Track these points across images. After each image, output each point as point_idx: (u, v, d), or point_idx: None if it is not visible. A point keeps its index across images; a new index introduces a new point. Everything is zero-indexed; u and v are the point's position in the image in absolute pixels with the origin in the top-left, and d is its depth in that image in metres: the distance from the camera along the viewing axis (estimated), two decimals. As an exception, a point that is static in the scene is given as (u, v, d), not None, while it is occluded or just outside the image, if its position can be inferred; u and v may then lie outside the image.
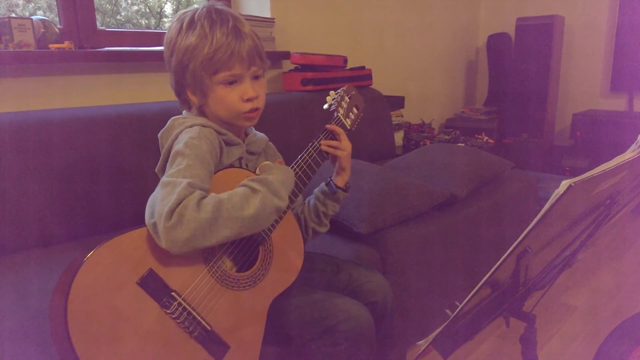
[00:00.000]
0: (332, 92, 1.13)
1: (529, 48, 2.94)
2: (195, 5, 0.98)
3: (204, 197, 0.81)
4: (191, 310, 0.83)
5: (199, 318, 0.83)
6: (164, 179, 0.84)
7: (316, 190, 1.16)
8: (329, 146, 1.07)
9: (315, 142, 1.06)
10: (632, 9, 2.84)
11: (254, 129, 1.09)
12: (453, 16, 3.24)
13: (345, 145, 1.08)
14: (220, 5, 0.97)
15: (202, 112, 1.01)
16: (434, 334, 0.70)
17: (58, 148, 1.31)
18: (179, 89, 1.00)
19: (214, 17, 0.93)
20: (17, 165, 1.25)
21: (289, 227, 1.02)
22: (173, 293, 0.81)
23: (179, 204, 0.78)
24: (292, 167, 1.02)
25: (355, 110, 1.16)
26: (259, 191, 0.86)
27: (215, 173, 0.91)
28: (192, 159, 0.86)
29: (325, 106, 1.12)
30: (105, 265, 0.76)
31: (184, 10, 0.97)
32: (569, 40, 3.13)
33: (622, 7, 2.88)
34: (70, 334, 0.70)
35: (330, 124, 1.09)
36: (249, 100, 0.96)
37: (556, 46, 2.94)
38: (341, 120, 1.11)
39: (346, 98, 1.13)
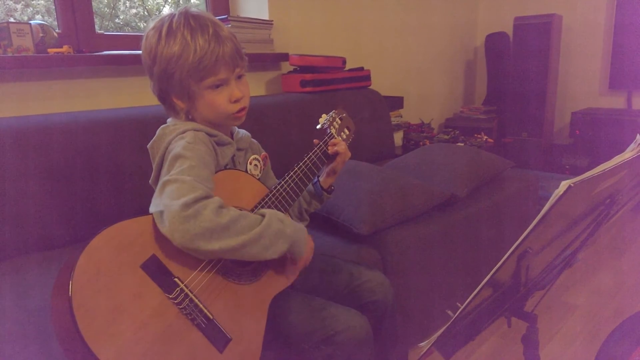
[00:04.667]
0: (324, 115, 1.18)
1: (528, 47, 2.94)
2: (165, 11, 0.97)
3: (222, 206, 0.82)
4: (193, 297, 0.83)
5: (200, 306, 0.83)
6: (165, 177, 0.83)
7: None
8: (335, 145, 1.13)
9: (316, 149, 1.10)
10: (629, 6, 2.84)
11: (237, 127, 1.11)
12: (451, 16, 3.24)
13: (346, 149, 1.15)
14: (195, 10, 0.97)
15: (188, 116, 1.01)
16: (436, 335, 0.70)
17: (58, 152, 1.31)
18: (163, 95, 1.00)
19: (193, 25, 0.93)
20: (18, 169, 1.25)
21: None
22: (176, 279, 0.82)
23: (197, 201, 0.79)
24: (294, 169, 1.05)
25: (347, 131, 1.21)
26: (268, 217, 0.88)
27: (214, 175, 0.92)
28: (194, 161, 0.87)
29: (318, 126, 1.17)
30: (110, 246, 0.77)
31: (159, 17, 0.96)
32: (567, 39, 3.14)
33: (619, 5, 2.88)
34: (73, 308, 0.71)
35: (323, 140, 1.13)
36: (236, 101, 0.98)
37: (554, 45, 2.94)
38: (334, 137, 1.16)
39: (337, 119, 1.19)
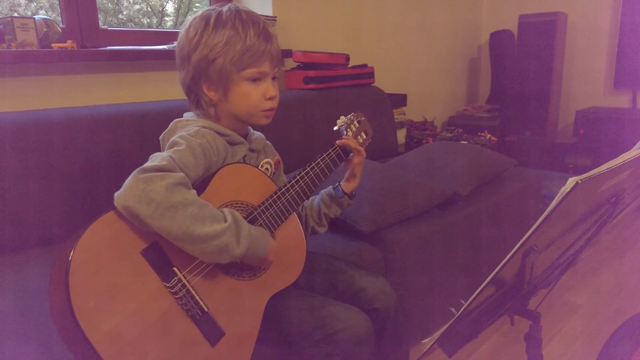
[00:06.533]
0: (342, 117, 1.17)
1: (532, 45, 2.93)
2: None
3: (184, 184, 0.80)
4: (190, 287, 0.83)
5: (197, 297, 0.83)
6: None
7: (323, 191, 1.18)
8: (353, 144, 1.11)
9: (330, 151, 1.09)
10: (635, 5, 2.82)
11: (251, 128, 1.11)
12: (455, 13, 3.23)
13: (357, 147, 1.13)
14: (245, 8, 1.00)
15: (215, 110, 1.01)
16: (439, 332, 0.70)
17: (59, 147, 1.31)
18: (193, 85, 0.99)
19: (245, 18, 0.96)
20: (18, 164, 1.24)
21: (293, 229, 1.03)
22: (174, 268, 0.82)
23: (156, 170, 0.78)
24: (306, 169, 1.04)
25: (363, 135, 1.20)
26: (227, 226, 0.82)
27: (222, 167, 0.92)
28: (183, 146, 0.88)
29: (335, 128, 1.16)
30: (113, 228, 0.77)
31: (206, 10, 0.99)
32: (572, 37, 3.12)
33: (625, 3, 2.86)
34: (69, 285, 0.71)
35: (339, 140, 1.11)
36: (270, 99, 1.00)
37: (559, 43, 2.93)
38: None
39: (355, 122, 1.18)
